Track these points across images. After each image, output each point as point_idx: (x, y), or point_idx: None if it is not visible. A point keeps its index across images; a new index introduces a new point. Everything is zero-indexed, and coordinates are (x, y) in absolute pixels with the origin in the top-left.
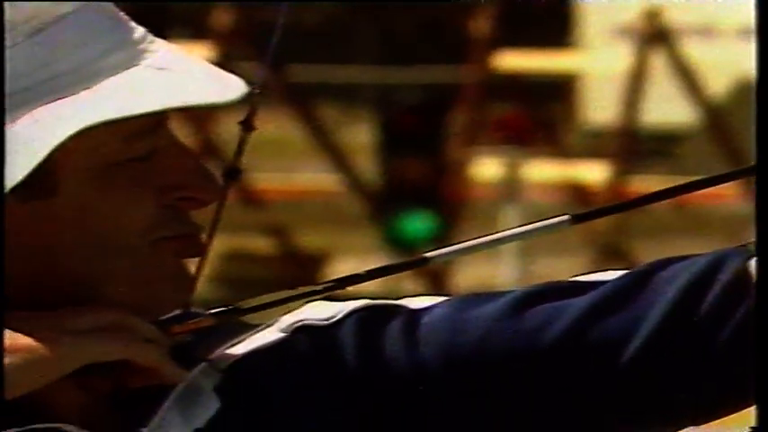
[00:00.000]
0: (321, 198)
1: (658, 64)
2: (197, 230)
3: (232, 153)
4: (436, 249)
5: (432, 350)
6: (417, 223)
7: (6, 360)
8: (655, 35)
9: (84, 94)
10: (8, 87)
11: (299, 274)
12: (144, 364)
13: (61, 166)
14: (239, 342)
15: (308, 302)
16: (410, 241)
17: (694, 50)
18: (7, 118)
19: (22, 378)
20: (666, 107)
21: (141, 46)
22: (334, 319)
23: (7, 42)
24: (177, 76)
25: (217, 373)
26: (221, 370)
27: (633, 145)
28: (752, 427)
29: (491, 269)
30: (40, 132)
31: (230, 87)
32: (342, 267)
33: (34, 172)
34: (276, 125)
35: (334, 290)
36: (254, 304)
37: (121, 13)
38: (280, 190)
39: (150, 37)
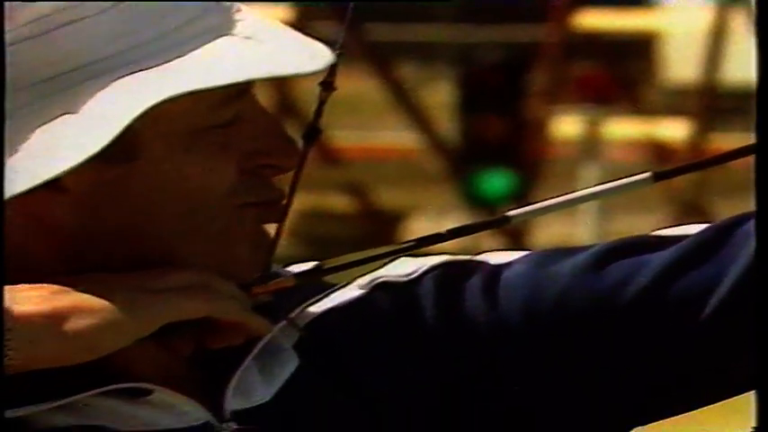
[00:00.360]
0: (400, 156)
1: (739, 21)
2: (280, 196)
3: (311, 112)
4: (516, 208)
5: (512, 306)
6: (496, 181)
7: (86, 321)
8: None
9: (168, 62)
10: (94, 54)
11: (377, 232)
12: (227, 319)
13: (144, 132)
14: (319, 300)
15: (389, 262)
16: (489, 200)
17: None
18: (93, 84)
19: (103, 339)
20: (747, 65)
21: (227, 14)
22: (414, 276)
23: (92, 11)
24: (263, 45)
25: (296, 331)
26: (300, 328)
27: (713, 102)
28: (754, 428)
29: (569, 227)
30: (124, 100)
31: (316, 56)
32: (419, 226)
33: (118, 136)
34: (355, 84)
35: (416, 248)
36: (336, 264)
37: None
38: (358, 148)
39: (236, 5)
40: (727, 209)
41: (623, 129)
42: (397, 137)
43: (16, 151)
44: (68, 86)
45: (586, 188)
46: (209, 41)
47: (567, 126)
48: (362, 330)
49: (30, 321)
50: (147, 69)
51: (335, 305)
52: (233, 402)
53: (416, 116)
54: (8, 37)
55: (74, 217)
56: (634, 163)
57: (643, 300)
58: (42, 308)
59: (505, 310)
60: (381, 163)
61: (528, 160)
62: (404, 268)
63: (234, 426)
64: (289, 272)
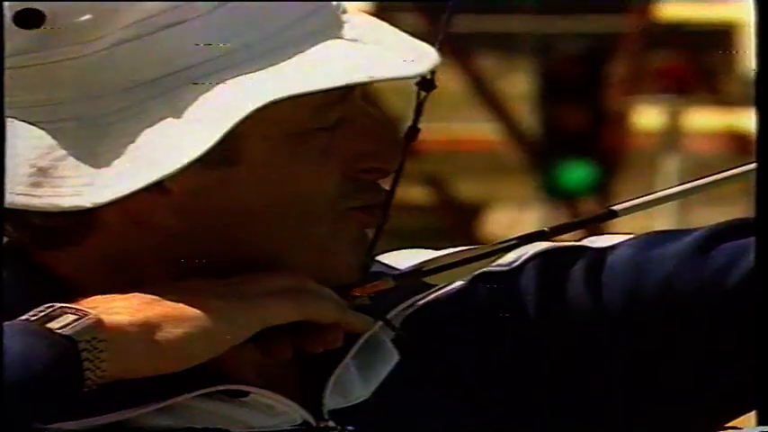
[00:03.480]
0: (479, 148)
1: None
2: (382, 200)
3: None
4: (597, 200)
5: (615, 291)
6: (576, 173)
7: (178, 331)
8: None
9: (271, 66)
10: (197, 57)
11: (457, 224)
12: (324, 321)
13: (247, 135)
14: (418, 301)
15: (490, 262)
16: (568, 191)
17: None
18: (196, 87)
19: (195, 348)
20: None
21: (331, 16)
22: (515, 265)
23: (196, 12)
24: (367, 47)
25: (394, 330)
26: (398, 328)
27: None
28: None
29: (648, 221)
30: (228, 103)
31: (421, 58)
32: (499, 217)
33: (221, 140)
34: (435, 76)
35: (516, 247)
36: (436, 266)
37: None
38: (438, 140)
39: (342, 6)
40: None
41: (704, 119)
42: (477, 128)
43: (120, 153)
44: (171, 89)
45: (670, 180)
46: (313, 44)
47: (647, 117)
48: (464, 322)
49: (122, 332)
50: (249, 72)
51: (436, 297)
52: (331, 401)
53: (496, 107)
54: (112, 39)
55: (175, 219)
56: (715, 154)
57: (748, 283)
58: (134, 318)
59: (608, 295)
60: (461, 155)
61: (608, 151)
62: (505, 257)
63: (332, 425)
64: (388, 273)
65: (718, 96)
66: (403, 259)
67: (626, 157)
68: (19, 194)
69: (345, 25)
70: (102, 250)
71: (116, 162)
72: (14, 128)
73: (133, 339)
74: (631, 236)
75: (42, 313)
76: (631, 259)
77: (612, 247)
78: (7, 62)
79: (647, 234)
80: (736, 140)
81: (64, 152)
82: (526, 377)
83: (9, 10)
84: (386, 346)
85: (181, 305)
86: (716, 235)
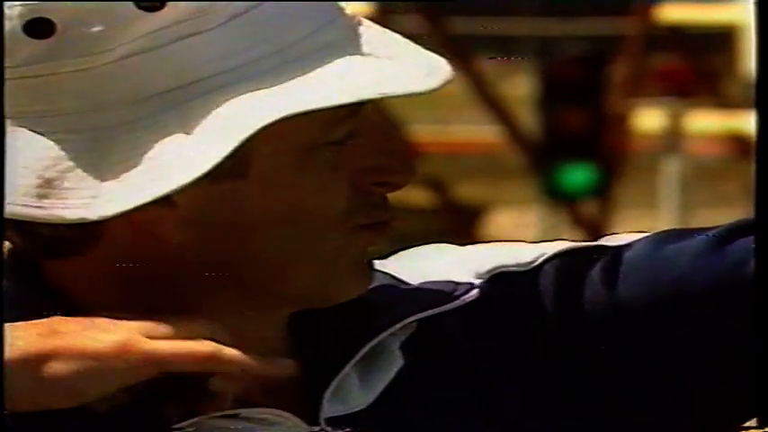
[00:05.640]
0: (480, 150)
1: None
2: (392, 217)
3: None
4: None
5: (633, 287)
6: (577, 175)
7: (66, 366)
8: None
9: (283, 80)
10: (210, 69)
11: (458, 226)
12: (229, 371)
13: (255, 149)
14: (433, 308)
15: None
16: (569, 193)
17: None
18: (207, 100)
19: (85, 386)
20: None
21: (346, 29)
22: (534, 265)
23: (210, 24)
24: (382, 62)
25: (405, 331)
26: (413, 329)
27: None
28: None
29: (651, 222)
30: (239, 117)
31: (434, 73)
32: (500, 220)
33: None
34: None
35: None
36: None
37: None
38: (438, 142)
39: (357, 18)
40: None
41: (705, 122)
42: (478, 130)
43: (129, 166)
44: (182, 101)
45: (671, 183)
46: (326, 58)
47: (648, 119)
48: (481, 323)
49: (9, 365)
50: (262, 86)
51: (453, 297)
52: (330, 409)
53: (497, 110)
54: (123, 50)
55: (181, 232)
56: (716, 157)
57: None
58: (27, 351)
59: (626, 291)
60: (462, 157)
61: (609, 154)
62: (523, 256)
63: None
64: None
65: (720, 99)
66: (407, 261)
67: (627, 160)
68: (25, 206)
69: (359, 39)
70: (106, 262)
71: (124, 174)
72: (21, 138)
73: (16, 371)
74: (647, 234)
75: None
76: (648, 255)
77: (628, 245)
78: (16, 71)
79: (664, 232)
80: (738, 143)
81: (71, 163)
82: (543, 378)
83: (20, 19)
84: (389, 352)
85: (81, 339)
86: (730, 232)
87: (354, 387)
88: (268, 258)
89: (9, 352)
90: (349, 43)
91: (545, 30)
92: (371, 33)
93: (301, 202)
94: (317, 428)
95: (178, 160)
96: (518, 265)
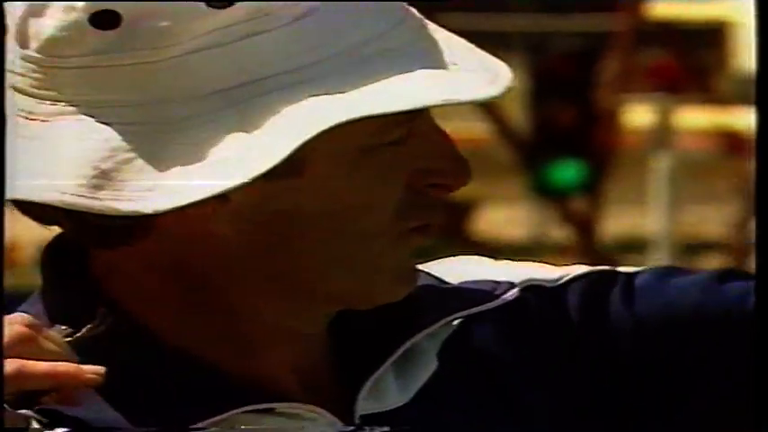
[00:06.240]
0: (470, 146)
1: None
2: (439, 219)
3: None
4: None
5: (652, 308)
6: (567, 171)
7: None
8: None
9: (349, 81)
10: (272, 69)
11: (449, 222)
12: (39, 385)
13: (311, 148)
14: (468, 311)
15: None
16: (559, 189)
17: None
18: (267, 99)
19: None
20: None
21: (412, 32)
22: (561, 282)
23: (274, 24)
24: (443, 67)
25: (441, 332)
26: (446, 330)
27: None
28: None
29: (640, 218)
30: (302, 117)
31: (496, 80)
32: (490, 216)
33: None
34: None
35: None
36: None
37: None
38: None
39: (423, 20)
40: None
41: (694, 118)
42: (468, 126)
43: (186, 161)
44: (245, 99)
45: (661, 178)
46: (390, 62)
47: (638, 115)
48: (511, 330)
49: None
50: (324, 88)
51: (484, 304)
52: (366, 406)
53: (487, 106)
54: (188, 46)
55: (232, 228)
56: (706, 152)
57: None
58: None
59: (645, 311)
60: None
61: (599, 149)
62: (551, 273)
63: (365, 430)
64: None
65: (709, 95)
66: (447, 263)
67: (617, 156)
68: (80, 195)
69: (424, 43)
70: (153, 255)
71: (182, 169)
72: (79, 127)
73: None
74: (644, 267)
75: None
76: (657, 284)
77: (637, 273)
78: (80, 61)
79: (661, 267)
80: (728, 139)
81: (128, 156)
82: (567, 389)
83: (86, 10)
84: (426, 353)
85: None
86: (723, 273)
87: (390, 386)
88: (315, 257)
89: None
90: (414, 47)
91: (535, 26)
92: (437, 37)
93: (355, 202)
94: (350, 427)
95: (238, 157)
96: (546, 280)
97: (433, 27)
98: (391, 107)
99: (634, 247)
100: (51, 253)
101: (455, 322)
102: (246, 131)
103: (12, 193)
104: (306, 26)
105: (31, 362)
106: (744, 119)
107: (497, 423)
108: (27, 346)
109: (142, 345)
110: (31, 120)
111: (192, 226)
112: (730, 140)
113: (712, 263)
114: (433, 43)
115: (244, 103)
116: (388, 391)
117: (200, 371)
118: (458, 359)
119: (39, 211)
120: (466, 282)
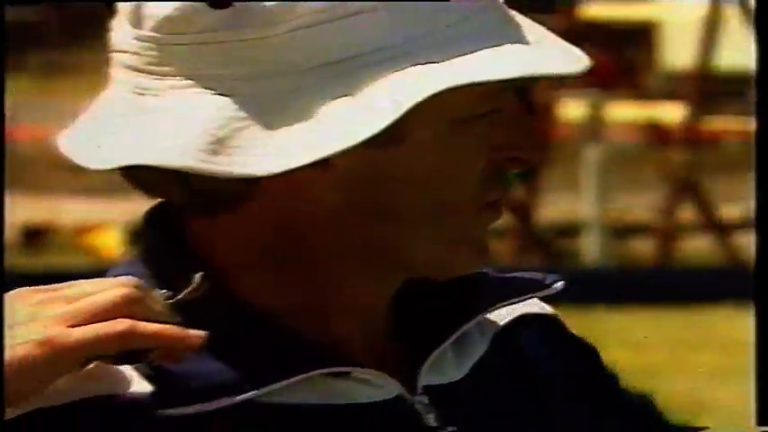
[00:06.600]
0: None
1: (731, 12)
2: (506, 197)
3: None
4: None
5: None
6: None
7: (7, 368)
8: None
9: (448, 54)
10: (377, 43)
11: None
12: (144, 344)
13: (412, 118)
14: (515, 301)
15: None
16: None
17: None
18: (373, 70)
19: (20, 385)
20: (739, 52)
21: (499, 14)
22: None
23: (370, 3)
24: (533, 45)
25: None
26: (501, 324)
27: (708, 87)
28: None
29: (572, 204)
30: (405, 85)
31: (579, 60)
32: None
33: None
34: None
35: None
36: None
37: None
38: None
39: (506, 8)
40: (721, 187)
41: (624, 112)
42: None
43: (295, 129)
44: (350, 71)
45: (591, 168)
46: (483, 39)
47: (572, 109)
48: (554, 335)
49: None
50: (427, 60)
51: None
52: (427, 378)
53: None
54: (297, 22)
55: (334, 194)
56: (633, 144)
57: None
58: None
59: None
60: None
61: None
62: None
63: (425, 400)
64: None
65: (638, 90)
66: None
67: (552, 146)
68: (199, 160)
69: (510, 24)
70: (254, 223)
71: (292, 135)
72: (198, 99)
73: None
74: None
75: None
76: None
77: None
78: (197, 38)
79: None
80: (654, 131)
81: (242, 124)
82: (596, 404)
83: None
84: (474, 335)
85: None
86: None
87: (449, 360)
88: (407, 225)
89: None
90: (501, 28)
91: None
92: (520, 21)
93: (447, 171)
94: (413, 396)
95: (344, 124)
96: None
97: (514, 13)
98: (492, 76)
99: (568, 230)
100: (151, 221)
101: (503, 314)
102: (352, 101)
103: (130, 159)
104: (402, 7)
105: (141, 323)
106: (669, 113)
107: (531, 423)
108: (136, 306)
109: (233, 309)
110: (144, 95)
111: (298, 190)
112: (657, 132)
113: (640, 245)
114: (518, 26)
115: (349, 74)
116: (446, 365)
117: (284, 335)
118: (504, 350)
119: (150, 180)
120: (518, 272)
